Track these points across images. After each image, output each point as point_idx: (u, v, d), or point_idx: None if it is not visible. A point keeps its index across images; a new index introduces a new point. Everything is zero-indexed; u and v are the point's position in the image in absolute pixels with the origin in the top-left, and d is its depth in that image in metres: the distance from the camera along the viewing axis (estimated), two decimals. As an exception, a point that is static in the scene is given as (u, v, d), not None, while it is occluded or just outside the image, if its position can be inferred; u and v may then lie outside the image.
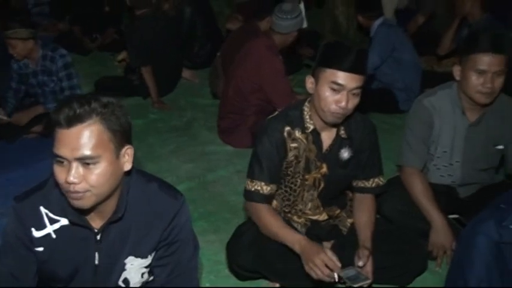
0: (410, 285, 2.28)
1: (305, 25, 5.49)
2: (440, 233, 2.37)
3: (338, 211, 2.37)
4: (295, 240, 2.04)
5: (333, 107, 2.00)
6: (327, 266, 1.94)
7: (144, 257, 1.63)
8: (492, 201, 1.78)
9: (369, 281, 2.07)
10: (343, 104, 1.98)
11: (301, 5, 5.38)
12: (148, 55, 4.17)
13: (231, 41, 4.10)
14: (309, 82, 2.08)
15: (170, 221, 1.59)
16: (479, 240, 1.66)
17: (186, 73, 4.72)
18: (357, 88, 1.99)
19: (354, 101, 2.02)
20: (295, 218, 2.31)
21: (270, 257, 2.14)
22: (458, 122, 2.48)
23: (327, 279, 1.95)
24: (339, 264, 1.96)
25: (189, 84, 4.66)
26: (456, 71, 2.41)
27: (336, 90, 1.98)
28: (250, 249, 2.15)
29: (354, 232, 2.30)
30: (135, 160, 1.51)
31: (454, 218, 2.57)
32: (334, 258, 1.96)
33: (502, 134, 2.48)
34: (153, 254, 1.64)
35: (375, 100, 4.08)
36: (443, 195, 2.58)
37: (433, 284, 2.29)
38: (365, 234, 2.22)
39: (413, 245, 2.30)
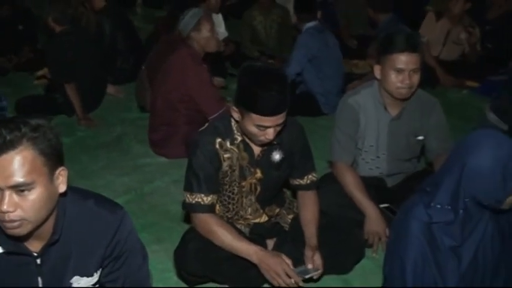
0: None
1: (226, 35, 5.65)
2: (373, 221, 2.52)
3: (278, 209, 2.46)
4: (251, 251, 2.12)
5: (262, 138, 2.09)
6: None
7: (89, 275, 1.60)
8: (419, 187, 1.91)
9: (319, 271, 2.22)
10: (271, 137, 2.07)
11: (219, 16, 5.52)
12: (71, 72, 4.07)
13: (155, 53, 4.08)
14: (234, 112, 2.09)
15: (112, 236, 1.57)
16: (412, 225, 1.77)
17: (110, 88, 4.64)
18: (282, 124, 2.08)
19: (278, 129, 2.10)
20: (238, 221, 2.37)
21: (218, 261, 2.18)
22: (381, 117, 2.65)
23: (289, 285, 2.07)
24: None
25: (114, 99, 4.59)
26: (376, 70, 2.58)
27: (262, 130, 2.05)
28: (197, 256, 2.17)
29: (295, 227, 2.40)
30: (68, 180, 1.48)
31: (384, 207, 2.73)
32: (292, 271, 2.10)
33: (421, 125, 2.68)
34: (99, 271, 1.62)
35: (298, 104, 4.21)
36: (373, 186, 2.73)
37: (371, 268, 2.41)
38: (310, 231, 2.32)
39: (350, 234, 2.43)
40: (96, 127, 4.08)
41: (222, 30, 5.57)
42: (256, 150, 2.23)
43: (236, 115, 2.09)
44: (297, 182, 2.40)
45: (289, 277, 2.09)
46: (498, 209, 1.76)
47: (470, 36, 4.80)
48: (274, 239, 2.43)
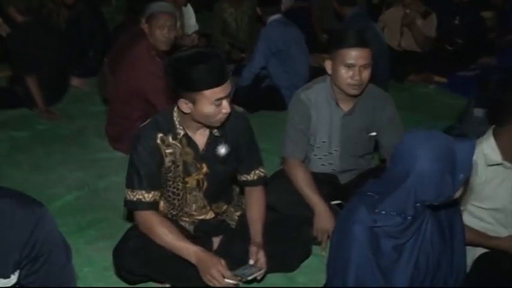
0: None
1: (196, 28, 5.57)
2: (322, 218, 2.48)
3: (225, 206, 2.41)
4: (190, 252, 2.07)
5: (220, 116, 2.04)
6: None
7: (6, 276, 1.52)
8: (359, 190, 1.87)
9: (262, 271, 2.16)
10: (228, 108, 2.03)
11: (190, 9, 5.44)
12: (33, 64, 3.98)
13: (119, 45, 4.00)
14: (183, 105, 2.03)
15: (28, 236, 1.49)
16: (355, 229, 1.72)
17: (75, 81, 4.55)
18: (230, 94, 2.04)
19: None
20: (183, 218, 2.31)
21: (158, 259, 2.12)
22: (334, 113, 2.60)
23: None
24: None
25: (79, 92, 4.50)
26: (328, 65, 2.53)
27: (218, 105, 2.01)
28: (137, 254, 2.12)
29: (242, 225, 2.35)
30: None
31: (336, 204, 2.69)
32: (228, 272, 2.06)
33: (374, 121, 2.64)
34: (17, 273, 1.54)
35: (264, 98, 4.19)
36: (325, 183, 2.69)
37: (317, 266, 2.37)
38: (255, 229, 2.28)
39: (298, 232, 2.39)
40: (57, 120, 3.99)
41: (192, 23, 5.50)
42: (201, 144, 2.18)
43: (186, 107, 2.03)
44: (244, 177, 2.35)
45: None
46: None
47: (407, 17, 4.80)
48: (221, 237, 2.38)
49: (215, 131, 2.17)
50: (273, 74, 4.21)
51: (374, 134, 2.67)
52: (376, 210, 1.73)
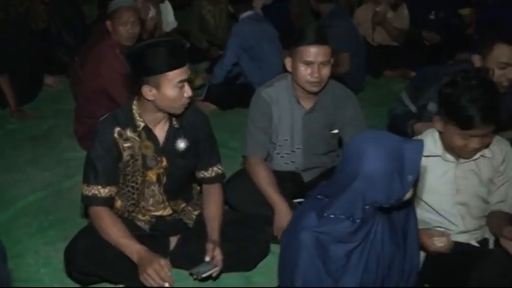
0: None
1: (175, 25, 5.53)
2: (282, 217, 2.44)
3: (184, 205, 2.39)
4: (133, 250, 2.06)
5: (183, 100, 2.07)
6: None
7: None
8: (311, 193, 1.85)
9: (217, 268, 2.14)
10: (189, 92, 2.06)
11: (168, 5, 5.40)
12: (4, 63, 3.94)
13: (89, 43, 3.96)
14: (147, 92, 2.04)
15: None
16: (303, 235, 1.71)
17: (48, 79, 4.52)
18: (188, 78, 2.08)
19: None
20: (139, 216, 2.30)
21: (109, 259, 2.10)
22: (295, 110, 2.58)
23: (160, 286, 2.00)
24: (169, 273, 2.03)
25: (52, 91, 4.46)
26: (287, 63, 2.50)
27: (181, 87, 2.03)
28: (87, 253, 2.09)
29: (200, 224, 2.33)
30: None
31: (299, 202, 2.66)
32: (166, 268, 2.02)
33: (336, 118, 2.61)
34: None
35: (236, 95, 4.16)
36: (288, 181, 2.68)
37: (276, 266, 2.34)
38: (212, 226, 2.26)
39: (257, 231, 2.37)
40: (29, 119, 3.95)
41: (171, 20, 5.48)
42: (161, 137, 2.17)
43: (150, 93, 2.03)
44: (202, 174, 2.34)
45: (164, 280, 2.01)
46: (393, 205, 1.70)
47: (377, 15, 4.77)
48: (178, 236, 2.36)
49: (174, 122, 2.16)
50: (246, 71, 4.18)
51: (336, 131, 2.65)
52: (325, 214, 1.71)
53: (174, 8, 5.76)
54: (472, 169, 2.12)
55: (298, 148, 2.63)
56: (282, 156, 2.67)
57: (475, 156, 2.08)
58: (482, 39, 2.58)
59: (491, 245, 2.22)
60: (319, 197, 1.79)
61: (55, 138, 3.69)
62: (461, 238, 2.16)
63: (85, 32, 4.68)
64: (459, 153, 2.07)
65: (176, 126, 2.18)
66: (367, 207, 1.66)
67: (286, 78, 2.59)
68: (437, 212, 2.18)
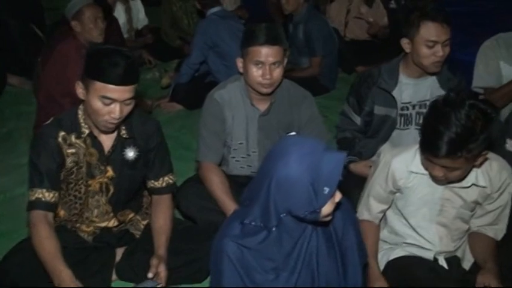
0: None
1: (146, 22, 5.39)
2: (235, 225, 2.34)
3: (132, 215, 2.28)
4: (57, 272, 1.90)
5: (107, 117, 1.91)
6: None
7: None
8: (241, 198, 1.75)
9: (159, 286, 2.02)
10: (116, 114, 1.89)
11: (138, 2, 5.25)
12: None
13: (51, 44, 3.82)
14: (79, 89, 1.94)
15: None
16: (226, 245, 1.62)
17: (14, 79, 4.37)
18: (129, 99, 1.92)
19: (129, 108, 1.96)
20: (83, 227, 2.18)
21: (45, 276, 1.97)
22: (250, 113, 2.46)
23: None
24: None
25: (17, 91, 4.31)
26: (239, 63, 2.39)
27: (107, 104, 1.88)
28: (22, 268, 1.98)
29: (147, 235, 2.22)
30: None
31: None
32: None
33: (292, 120, 2.51)
34: None
35: (204, 95, 4.00)
36: (244, 186, 2.48)
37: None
38: (158, 240, 2.15)
39: (207, 241, 2.25)
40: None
41: (142, 17, 5.35)
42: (107, 145, 2.05)
43: (81, 92, 1.92)
44: (152, 184, 2.22)
45: None
46: (317, 220, 1.60)
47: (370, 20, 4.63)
48: (124, 248, 2.25)
49: (123, 132, 2.06)
50: (213, 69, 4.05)
51: (293, 133, 2.52)
52: (246, 221, 1.61)
53: (147, 5, 5.63)
54: (460, 194, 1.98)
55: (253, 152, 2.52)
56: (238, 160, 2.55)
57: (466, 184, 1.94)
58: (407, 21, 2.38)
59: (466, 266, 2.12)
60: (245, 203, 1.69)
61: (14, 141, 3.56)
62: (430, 255, 2.07)
63: (47, 31, 4.54)
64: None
65: (125, 136, 2.06)
66: (282, 215, 1.55)
67: (240, 80, 2.47)
68: (414, 229, 2.08)
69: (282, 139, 1.63)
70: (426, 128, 1.82)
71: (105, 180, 2.09)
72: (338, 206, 1.64)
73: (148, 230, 2.24)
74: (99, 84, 1.85)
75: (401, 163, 2.00)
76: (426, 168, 1.91)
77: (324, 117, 3.86)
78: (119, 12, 4.96)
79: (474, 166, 1.89)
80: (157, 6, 5.47)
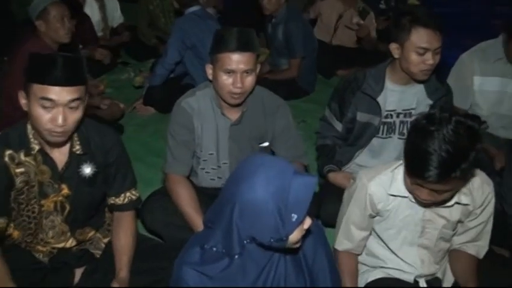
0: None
1: (121, 20, 5.19)
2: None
3: (92, 232, 2.10)
4: None
5: (49, 126, 1.71)
6: None
7: None
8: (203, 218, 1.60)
9: None
10: (59, 121, 1.70)
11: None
12: None
13: (19, 44, 3.61)
14: (21, 98, 1.76)
15: None
16: (184, 270, 1.48)
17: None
18: (74, 100, 1.72)
19: (75, 116, 1.75)
20: (39, 247, 2.00)
21: None
22: (220, 122, 2.31)
23: None
24: None
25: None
26: (208, 70, 2.23)
27: (48, 107, 1.69)
28: None
29: (108, 254, 2.06)
30: None
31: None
32: None
33: (266, 130, 2.36)
34: None
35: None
36: (214, 198, 2.39)
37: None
38: (120, 260, 2.00)
39: (172, 259, 2.09)
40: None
41: (117, 15, 5.15)
42: (60, 162, 1.86)
43: (24, 102, 1.75)
44: (113, 200, 2.05)
45: None
46: (284, 248, 1.45)
47: (361, 22, 4.46)
48: (83, 268, 2.08)
49: (76, 148, 1.87)
50: (190, 71, 3.87)
51: (267, 144, 2.39)
52: (206, 246, 1.46)
53: (124, 1, 5.44)
54: (442, 215, 1.84)
55: (224, 163, 2.36)
56: (208, 172, 2.39)
57: (449, 203, 1.78)
58: (398, 25, 2.24)
59: (447, 284, 1.99)
60: (209, 225, 1.54)
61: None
62: (411, 278, 1.94)
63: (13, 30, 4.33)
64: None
65: (79, 152, 1.87)
66: (246, 241, 1.41)
67: (210, 87, 2.31)
68: (394, 253, 1.95)
69: (248, 158, 1.47)
70: (412, 151, 1.63)
71: (60, 198, 1.91)
72: (308, 231, 1.50)
73: (109, 248, 2.07)
74: (36, 86, 1.67)
75: (379, 186, 1.85)
76: (411, 192, 1.75)
77: (302, 121, 3.77)
78: (93, 10, 4.78)
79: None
80: (133, 3, 5.27)
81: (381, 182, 1.84)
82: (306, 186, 1.37)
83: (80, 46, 4.35)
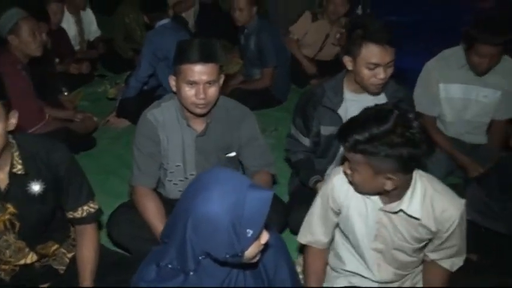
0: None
1: (98, 33, 5.12)
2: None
3: (55, 247, 2.01)
4: None
5: None
6: None
7: None
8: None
9: None
10: None
11: (90, 13, 4.98)
12: None
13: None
14: None
15: None
16: None
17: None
18: None
19: None
20: (1, 265, 1.91)
21: None
22: (186, 134, 2.24)
23: None
24: None
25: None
26: (171, 82, 2.17)
27: None
28: None
29: (72, 270, 1.98)
30: None
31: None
32: None
33: (232, 141, 2.30)
34: None
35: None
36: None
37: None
38: (83, 275, 1.92)
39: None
40: None
41: (94, 29, 5.08)
42: (3, 182, 1.76)
43: None
44: (71, 215, 1.95)
45: None
46: (241, 263, 1.39)
47: (342, 37, 4.41)
48: (47, 284, 2.00)
49: (17, 168, 1.76)
50: (163, 83, 3.79)
51: (233, 154, 2.33)
52: (162, 264, 1.40)
53: (102, 14, 5.37)
54: (394, 222, 1.78)
55: (192, 174, 2.30)
56: (175, 184, 2.33)
57: (394, 209, 1.72)
58: (349, 39, 2.20)
59: None
60: (165, 240, 1.47)
61: None
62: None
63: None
64: None
65: (20, 172, 1.76)
66: (201, 257, 1.35)
67: (174, 99, 2.25)
68: (354, 253, 1.91)
69: (203, 173, 1.41)
70: (346, 122, 1.67)
71: (7, 217, 1.81)
72: (268, 244, 1.44)
73: (73, 264, 1.99)
74: None
75: (342, 180, 1.82)
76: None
77: (275, 130, 3.72)
78: (69, 24, 4.70)
79: (387, 192, 1.67)
80: (110, 16, 5.21)
81: (344, 178, 1.81)
82: (262, 201, 1.31)
83: (57, 60, 4.29)
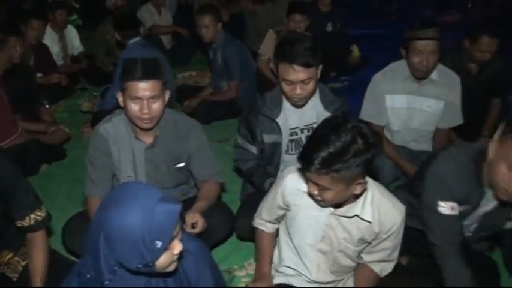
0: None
1: (81, 49, 5.18)
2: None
3: (10, 255, 2.05)
4: None
5: None
6: None
7: None
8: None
9: None
10: None
11: (73, 30, 5.04)
12: None
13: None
14: None
15: None
16: None
17: None
18: None
19: None
20: (-43, 274, 1.95)
21: None
22: (136, 146, 2.29)
23: None
24: None
25: None
26: (119, 97, 2.22)
27: None
28: None
29: (26, 276, 2.01)
30: None
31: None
32: None
33: (180, 152, 2.35)
34: None
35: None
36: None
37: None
38: (35, 277, 1.95)
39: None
40: None
41: (76, 44, 5.14)
42: None
43: None
44: (20, 224, 1.98)
45: None
46: (156, 272, 1.43)
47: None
48: (0, 292, 2.04)
49: None
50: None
51: (182, 164, 2.37)
52: (82, 273, 1.43)
53: (84, 30, 5.43)
54: (344, 225, 1.81)
55: (143, 184, 2.34)
56: (128, 193, 2.37)
57: (349, 214, 1.76)
58: (275, 57, 2.32)
59: None
60: (85, 250, 1.50)
61: None
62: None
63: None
64: None
65: None
66: (116, 267, 1.38)
67: (123, 113, 2.30)
68: (295, 251, 1.94)
69: (117, 186, 1.45)
70: (304, 145, 1.67)
71: None
72: (183, 252, 1.47)
73: (26, 271, 2.03)
74: None
75: (294, 180, 1.87)
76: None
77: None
78: (53, 41, 4.78)
79: (357, 197, 1.73)
80: (93, 31, 5.28)
81: (296, 177, 1.85)
82: (170, 214, 1.35)
83: (39, 74, 4.34)
